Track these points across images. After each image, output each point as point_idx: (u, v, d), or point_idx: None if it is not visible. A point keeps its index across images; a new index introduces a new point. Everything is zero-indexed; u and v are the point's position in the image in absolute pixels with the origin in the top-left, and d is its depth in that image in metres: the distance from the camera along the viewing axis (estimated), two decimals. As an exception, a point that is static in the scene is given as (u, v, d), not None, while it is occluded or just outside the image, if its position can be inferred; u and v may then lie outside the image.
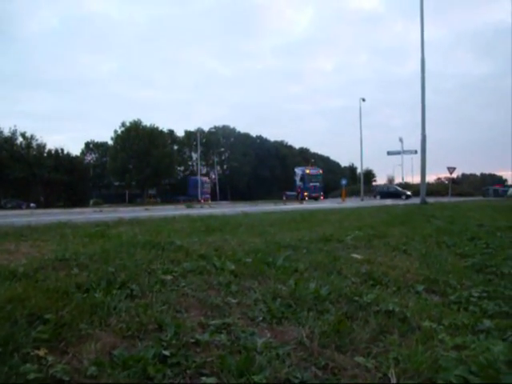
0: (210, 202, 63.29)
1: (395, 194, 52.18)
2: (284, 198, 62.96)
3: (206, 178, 75.14)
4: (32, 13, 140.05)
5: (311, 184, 62.66)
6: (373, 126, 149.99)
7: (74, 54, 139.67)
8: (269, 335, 2.38)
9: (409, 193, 54.63)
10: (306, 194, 60.62)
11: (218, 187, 78.52)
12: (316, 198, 58.28)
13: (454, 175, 47.04)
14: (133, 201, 67.70)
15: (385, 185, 68.87)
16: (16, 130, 55.02)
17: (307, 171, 65.01)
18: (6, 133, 53.85)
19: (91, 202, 62.01)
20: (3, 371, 1.75)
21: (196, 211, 15.61)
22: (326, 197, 67.81)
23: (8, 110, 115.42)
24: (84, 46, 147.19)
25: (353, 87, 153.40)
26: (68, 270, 3.09)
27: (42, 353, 1.91)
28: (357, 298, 3.02)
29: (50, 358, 1.88)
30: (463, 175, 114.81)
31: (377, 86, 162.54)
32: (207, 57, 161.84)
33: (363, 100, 53.80)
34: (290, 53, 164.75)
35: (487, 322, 2.82)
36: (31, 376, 1.73)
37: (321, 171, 66.38)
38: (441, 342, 2.48)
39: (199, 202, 60.57)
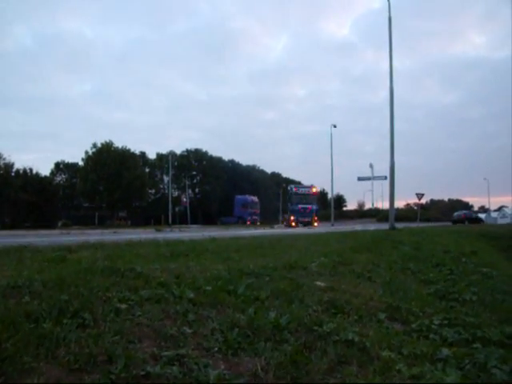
0: (258, 223, 57.53)
1: (479, 220, 51.97)
2: (281, 219, 57.70)
3: (254, 197, 66.96)
4: (3, 29, 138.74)
5: (300, 206, 48.63)
6: (345, 152, 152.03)
7: (45, 72, 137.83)
8: (223, 367, 2.32)
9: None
10: (292, 218, 48.32)
11: (188, 211, 77.68)
12: (308, 224, 46.33)
13: (423, 201, 47.99)
14: (102, 223, 66.51)
15: (471, 211, 63.98)
16: (-18, 148, 53.95)
17: (294, 189, 51.39)
18: (-28, 151, 52.61)
19: (59, 223, 60.69)
20: None
21: (163, 235, 15.42)
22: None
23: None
24: (56, 64, 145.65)
25: (325, 113, 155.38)
26: (19, 298, 2.96)
27: (-23, 389, 1.81)
28: (316, 328, 2.99)
29: (-15, 395, 1.78)
30: (432, 201, 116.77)
31: (349, 112, 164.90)
32: (182, 80, 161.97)
33: (334, 126, 54.74)
34: (264, 79, 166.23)
35: (445, 351, 2.83)
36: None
37: (314, 189, 51.79)
38: (398, 372, 2.46)
39: (247, 223, 56.45)
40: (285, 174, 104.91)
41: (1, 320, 2.43)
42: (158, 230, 27.53)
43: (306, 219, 47.94)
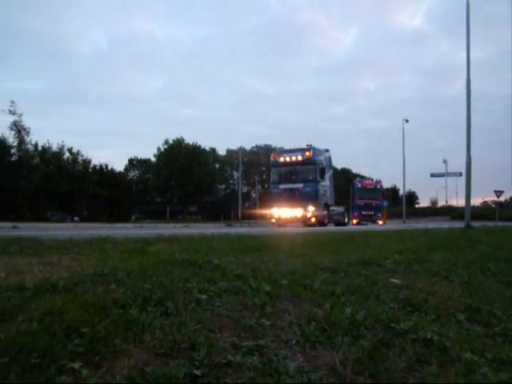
0: (380, 222, 43.52)
1: None
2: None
3: (370, 180, 47.71)
4: (83, 33, 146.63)
5: (282, 186, 28.91)
6: (416, 147, 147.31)
7: (119, 72, 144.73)
8: (301, 359, 2.35)
9: None
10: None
11: (258, 206, 78.15)
12: (322, 223, 28.04)
13: (502, 198, 45.39)
14: (174, 217, 68.49)
15: None
16: (63, 145, 56.94)
17: (279, 159, 29.75)
18: (54, 148, 55.76)
19: (133, 217, 63.13)
20: (40, 382, 1.80)
21: (235, 230, 15.65)
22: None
23: (56, 126, 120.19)
24: (129, 65, 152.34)
25: (396, 107, 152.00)
26: (106, 286, 3.13)
27: (77, 366, 1.95)
28: (394, 325, 2.94)
29: (84, 372, 1.92)
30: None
31: (420, 106, 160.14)
32: (250, 76, 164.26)
33: (406, 121, 53.00)
34: (332, 73, 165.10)
35: (537, 359, 2.68)
36: (66, 388, 1.78)
37: (326, 155, 31.13)
38: (483, 376, 2.38)
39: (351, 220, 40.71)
40: (355, 170, 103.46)
41: (92, 305, 2.59)
42: (229, 225, 28.01)
43: (305, 214, 27.69)
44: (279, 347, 2.44)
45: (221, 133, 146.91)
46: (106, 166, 60.26)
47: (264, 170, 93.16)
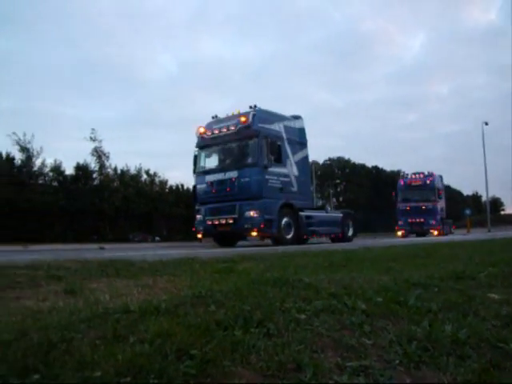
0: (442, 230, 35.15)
1: None
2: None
3: (416, 175, 36.88)
4: (153, 58, 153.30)
5: (209, 177, 18.66)
6: (497, 151, 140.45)
7: (188, 94, 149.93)
8: (408, 380, 2.31)
9: None
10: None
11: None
12: (277, 238, 17.31)
13: None
14: (248, 234, 68.89)
15: None
16: (141, 167, 59.03)
17: (206, 134, 19.32)
18: (132, 171, 57.95)
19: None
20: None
21: (314, 246, 15.57)
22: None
23: (133, 149, 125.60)
24: (198, 87, 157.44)
25: (472, 110, 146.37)
26: (205, 307, 3.24)
27: (189, 387, 2.05)
28: (501, 345, 2.80)
29: (197, 392, 2.01)
30: None
31: (499, 107, 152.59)
32: (318, 89, 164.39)
33: (486, 124, 50.57)
34: (402, 80, 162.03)
35: None
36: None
37: (287, 123, 19.59)
38: None
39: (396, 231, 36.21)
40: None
41: (197, 326, 2.70)
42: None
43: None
44: (383, 367, 2.42)
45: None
46: (182, 185, 61.69)
47: (338, 183, 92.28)
